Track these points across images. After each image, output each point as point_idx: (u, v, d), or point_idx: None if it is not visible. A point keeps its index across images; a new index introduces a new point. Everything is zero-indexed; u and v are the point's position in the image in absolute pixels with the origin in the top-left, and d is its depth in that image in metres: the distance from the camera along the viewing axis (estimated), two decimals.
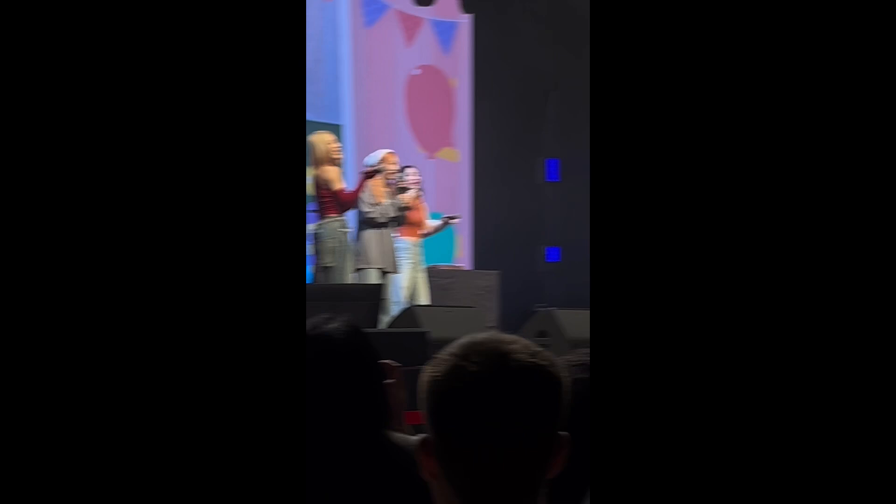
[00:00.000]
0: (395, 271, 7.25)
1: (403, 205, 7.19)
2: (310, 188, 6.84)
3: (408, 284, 7.62)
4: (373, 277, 6.97)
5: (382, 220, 7.06)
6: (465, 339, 1.35)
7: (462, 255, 10.53)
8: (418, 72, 10.79)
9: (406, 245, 7.76)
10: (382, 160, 7.25)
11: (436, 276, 8.02)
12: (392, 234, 7.30)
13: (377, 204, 7.05)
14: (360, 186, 7.00)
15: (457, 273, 8.69)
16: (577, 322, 6.32)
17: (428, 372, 1.34)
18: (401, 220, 7.32)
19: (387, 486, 1.77)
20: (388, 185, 7.22)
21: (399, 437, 1.85)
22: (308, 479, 1.66)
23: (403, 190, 7.24)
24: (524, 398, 1.29)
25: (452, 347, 1.34)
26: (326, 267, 6.82)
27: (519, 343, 1.33)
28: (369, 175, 7.06)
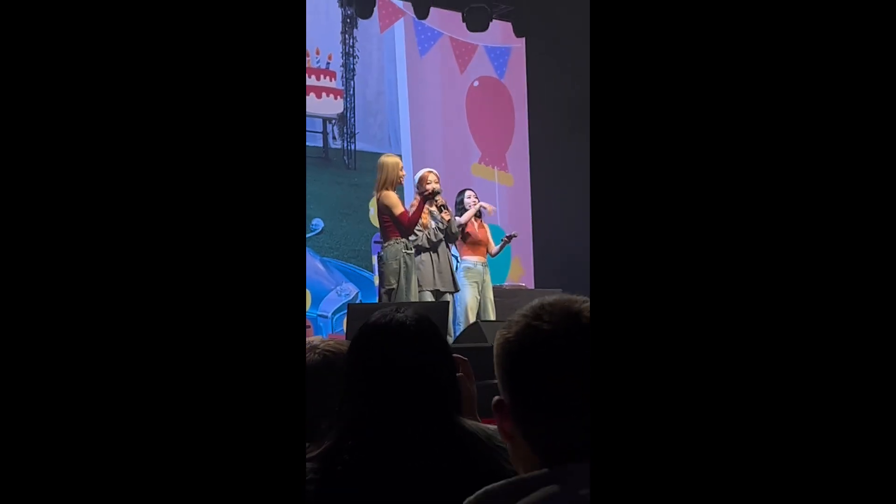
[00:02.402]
0: (453, 291, 7.25)
1: (446, 224, 7.16)
2: (375, 217, 6.87)
3: (472, 304, 7.64)
4: (429, 299, 7.00)
5: (428, 245, 7.07)
6: (535, 302, 1.37)
7: (523, 275, 10.54)
8: (477, 83, 10.87)
9: (469, 265, 7.77)
10: (422, 179, 7.22)
11: (500, 296, 8.03)
12: (451, 255, 7.31)
13: (422, 229, 7.07)
14: (419, 210, 7.05)
15: (521, 292, 8.71)
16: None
17: (501, 334, 1.37)
18: (453, 238, 7.31)
19: (459, 470, 1.79)
20: (432, 202, 7.16)
21: (471, 423, 1.88)
22: (380, 460, 1.69)
23: (443, 207, 7.19)
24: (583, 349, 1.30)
25: (524, 310, 1.37)
26: (390, 289, 6.88)
27: (588, 302, 1.35)
28: (427, 198, 7.11)
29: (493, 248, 8.00)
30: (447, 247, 7.24)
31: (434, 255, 7.10)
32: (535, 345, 1.33)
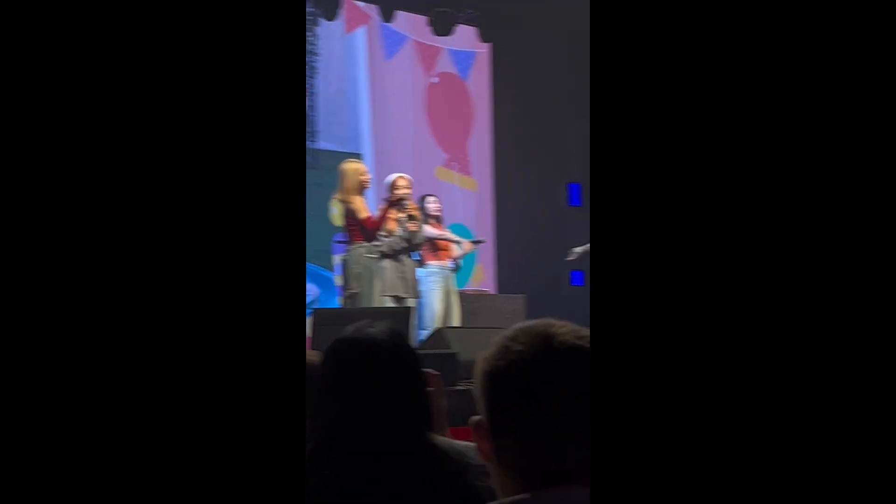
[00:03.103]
0: (414, 298, 7.23)
1: (409, 234, 7.10)
2: (338, 217, 6.82)
3: (439, 309, 7.62)
4: (391, 304, 6.97)
5: (390, 252, 7.03)
6: (518, 324, 1.37)
7: (483, 280, 10.55)
8: (437, 80, 10.85)
9: (435, 270, 7.76)
10: (393, 184, 7.16)
11: (463, 301, 8.03)
12: (414, 261, 7.28)
13: (388, 235, 7.02)
14: (384, 214, 7.01)
15: (483, 297, 8.70)
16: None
17: (480, 355, 1.37)
18: (416, 246, 7.29)
19: (430, 485, 1.78)
20: (400, 209, 7.12)
21: (443, 440, 1.87)
22: (349, 476, 1.68)
23: (412, 218, 7.14)
24: (568, 378, 1.30)
25: (506, 331, 1.37)
26: (353, 294, 6.85)
27: (567, 327, 1.35)
28: (393, 203, 7.07)
29: (455, 252, 7.99)
30: (409, 255, 7.20)
31: (393, 262, 7.07)
32: (507, 366, 1.32)
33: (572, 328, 1.35)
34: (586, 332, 1.36)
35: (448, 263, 7.88)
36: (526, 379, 1.31)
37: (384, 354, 1.85)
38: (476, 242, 8.28)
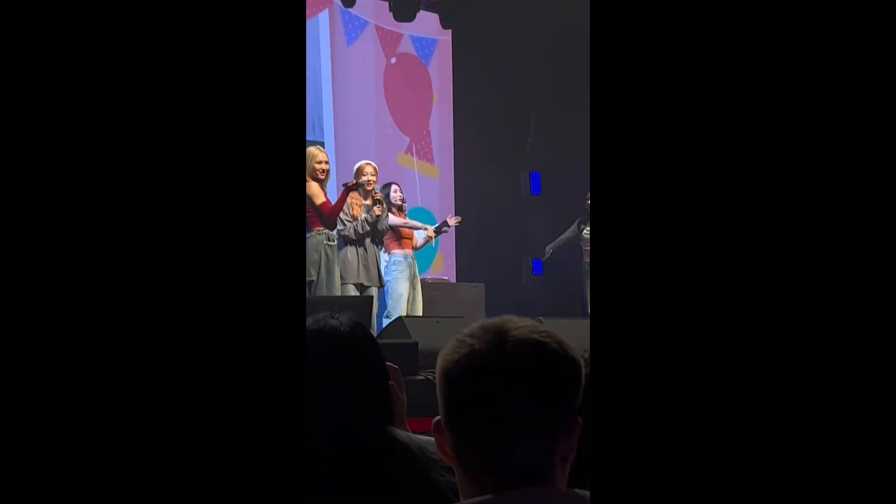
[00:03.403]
0: (378, 286, 7.20)
1: (375, 219, 7.09)
2: None
3: (405, 298, 7.61)
4: (352, 293, 6.94)
5: (354, 237, 7.01)
6: (480, 321, 1.34)
7: (443, 269, 10.54)
8: (395, 60, 10.81)
9: (399, 258, 7.74)
10: (359, 171, 7.16)
11: (423, 289, 8.02)
12: (377, 248, 7.26)
13: (352, 220, 7.01)
14: (342, 200, 6.97)
15: (443, 285, 8.69)
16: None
17: (441, 352, 1.34)
18: (379, 233, 7.26)
19: (391, 480, 1.76)
20: (365, 195, 7.14)
21: (403, 434, 1.84)
22: (310, 471, 1.65)
23: (377, 203, 7.12)
24: (523, 374, 1.27)
25: (467, 328, 1.34)
26: (310, 281, 6.80)
27: (524, 322, 1.31)
28: (351, 188, 7.03)
29: (417, 241, 7.99)
30: (374, 241, 7.17)
31: (360, 249, 7.04)
32: (460, 361, 1.29)
33: (530, 324, 1.31)
34: (545, 329, 1.32)
35: (411, 251, 7.87)
36: (479, 376, 1.27)
37: (345, 345, 1.82)
38: (439, 231, 8.26)
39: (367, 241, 7.09)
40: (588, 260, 8.69)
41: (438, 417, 1.32)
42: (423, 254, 8.78)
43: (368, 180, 7.10)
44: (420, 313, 7.50)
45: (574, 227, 9.02)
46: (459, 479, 1.32)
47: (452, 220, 8.46)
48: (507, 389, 1.26)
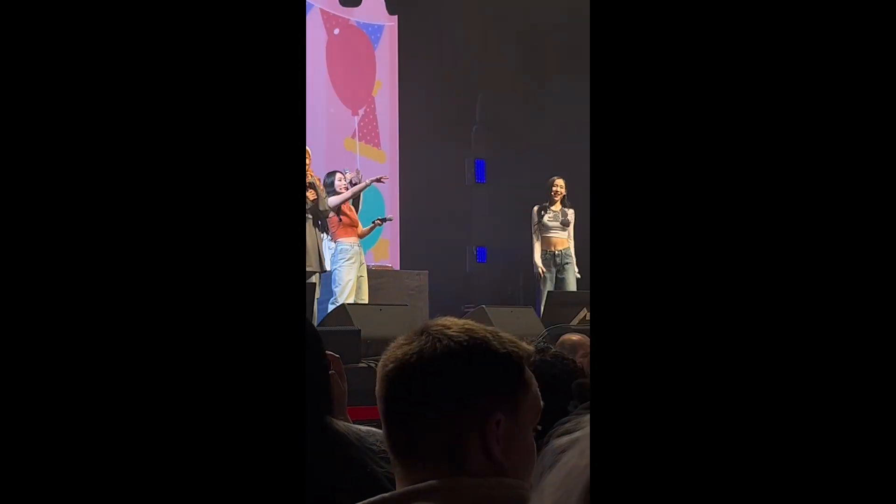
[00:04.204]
0: (320, 271, 7.18)
1: (310, 204, 7.07)
2: None
3: (353, 286, 7.61)
4: None
5: None
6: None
7: (387, 257, 10.53)
8: (337, 31, 10.75)
9: (346, 247, 7.72)
10: None
11: (368, 277, 8.02)
12: (318, 233, 7.23)
13: None
14: None
15: (387, 273, 8.68)
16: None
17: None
18: (321, 216, 7.23)
19: (330, 474, 1.76)
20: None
21: (343, 424, 1.85)
22: None
23: (310, 186, 7.12)
24: (436, 371, 1.33)
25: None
26: None
27: (450, 321, 1.38)
28: None
29: (362, 228, 7.97)
30: (315, 226, 7.14)
31: None
32: (388, 358, 1.39)
33: (459, 324, 1.37)
34: (475, 326, 1.38)
35: (357, 239, 7.85)
36: (406, 375, 1.35)
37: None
38: (383, 220, 8.25)
39: (307, 225, 7.06)
40: (553, 249, 8.55)
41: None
42: (368, 242, 8.77)
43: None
44: (366, 301, 7.50)
45: (534, 216, 8.70)
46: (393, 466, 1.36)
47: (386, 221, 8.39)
48: (419, 384, 1.34)
